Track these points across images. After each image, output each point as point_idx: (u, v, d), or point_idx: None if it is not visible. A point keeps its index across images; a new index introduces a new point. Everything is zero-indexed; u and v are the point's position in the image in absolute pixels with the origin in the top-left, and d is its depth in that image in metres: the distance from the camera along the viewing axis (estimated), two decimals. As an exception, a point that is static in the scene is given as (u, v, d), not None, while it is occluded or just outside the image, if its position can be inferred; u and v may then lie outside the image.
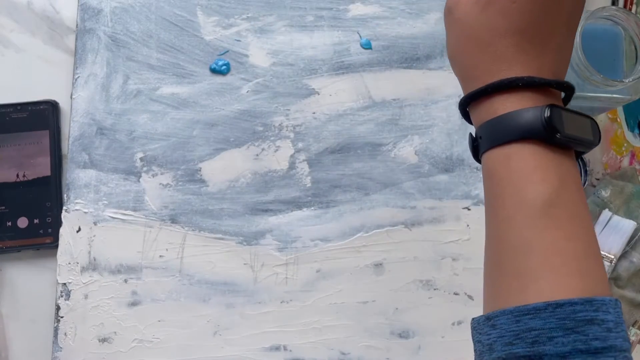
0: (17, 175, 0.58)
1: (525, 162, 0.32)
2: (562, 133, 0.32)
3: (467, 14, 0.35)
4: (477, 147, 0.35)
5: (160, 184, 0.58)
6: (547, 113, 0.32)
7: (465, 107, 0.36)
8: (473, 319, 0.33)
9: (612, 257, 0.59)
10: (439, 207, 0.59)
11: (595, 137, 0.34)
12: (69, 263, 0.56)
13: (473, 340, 0.34)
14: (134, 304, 0.56)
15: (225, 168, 0.59)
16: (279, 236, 0.58)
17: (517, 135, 0.33)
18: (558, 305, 0.29)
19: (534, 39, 0.34)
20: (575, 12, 0.35)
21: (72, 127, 0.59)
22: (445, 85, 0.62)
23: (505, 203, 0.33)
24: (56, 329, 0.55)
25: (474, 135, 0.36)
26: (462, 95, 0.36)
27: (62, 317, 0.56)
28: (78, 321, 0.56)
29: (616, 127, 0.65)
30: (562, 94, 0.36)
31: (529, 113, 0.32)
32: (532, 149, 0.32)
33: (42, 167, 0.58)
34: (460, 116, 0.61)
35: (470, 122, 0.37)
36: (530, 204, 0.32)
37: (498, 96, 0.34)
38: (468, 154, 0.60)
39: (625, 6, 0.68)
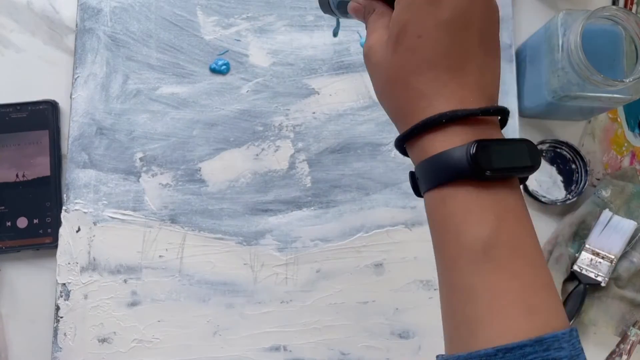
0: (17, 175, 0.58)
1: (459, 204, 0.31)
2: (491, 169, 0.30)
3: (383, 57, 0.35)
4: (416, 186, 0.35)
5: (160, 184, 0.58)
6: (472, 150, 0.30)
7: (401, 148, 0.35)
8: (437, 356, 0.33)
9: (613, 257, 0.59)
10: (439, 207, 0.59)
11: (534, 160, 0.32)
12: (69, 263, 0.56)
13: None
14: (133, 304, 0.56)
15: (225, 168, 0.59)
16: (278, 236, 0.58)
17: (448, 177, 0.31)
18: (507, 350, 0.28)
19: (450, 68, 0.33)
20: (489, 28, 0.34)
21: (71, 127, 0.59)
22: (446, 85, 0.62)
23: (446, 248, 0.32)
24: (56, 329, 0.55)
25: (410, 173, 0.35)
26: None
27: (61, 317, 0.55)
28: (78, 321, 0.56)
29: (616, 127, 0.65)
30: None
31: (456, 153, 0.31)
32: (465, 190, 0.31)
33: (41, 167, 0.58)
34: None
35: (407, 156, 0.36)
36: (470, 248, 0.31)
37: (426, 135, 0.33)
38: (468, 154, 0.60)
39: (625, 6, 0.67)
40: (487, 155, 0.30)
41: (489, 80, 0.34)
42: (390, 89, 0.35)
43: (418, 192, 0.35)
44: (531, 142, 0.33)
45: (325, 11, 0.45)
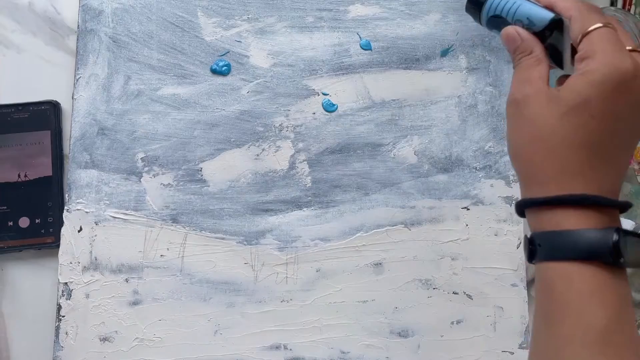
0: (19, 175, 0.58)
1: (587, 283, 0.32)
2: (625, 259, 0.32)
3: (540, 115, 0.34)
4: (533, 251, 0.35)
5: (161, 184, 0.59)
6: (615, 238, 0.32)
7: (524, 208, 0.36)
8: None
9: (611, 256, 0.59)
10: (438, 207, 0.60)
11: None
12: (71, 263, 0.57)
13: None
14: (135, 303, 0.57)
15: (225, 168, 0.59)
16: (279, 236, 0.58)
17: (581, 255, 0.32)
18: None
19: (603, 155, 0.34)
20: (639, 130, 0.35)
21: (73, 128, 0.59)
22: (444, 86, 0.62)
23: (563, 321, 0.33)
24: (57, 328, 0.56)
25: (529, 237, 0.36)
26: (520, 197, 0.36)
27: (63, 316, 0.56)
28: (79, 320, 0.56)
29: (614, 127, 0.65)
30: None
31: (594, 234, 0.32)
32: (594, 270, 0.32)
33: (43, 167, 0.59)
34: (459, 117, 0.62)
35: (523, 216, 0.37)
36: (590, 327, 0.32)
37: (561, 209, 0.33)
38: (467, 154, 0.61)
39: (624, 7, 0.68)
40: (624, 245, 0.32)
41: (622, 176, 0.35)
42: (536, 148, 0.34)
43: (532, 258, 0.35)
44: None
45: (469, 13, 0.41)
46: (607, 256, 0.32)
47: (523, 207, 0.36)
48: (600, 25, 0.34)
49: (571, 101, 0.33)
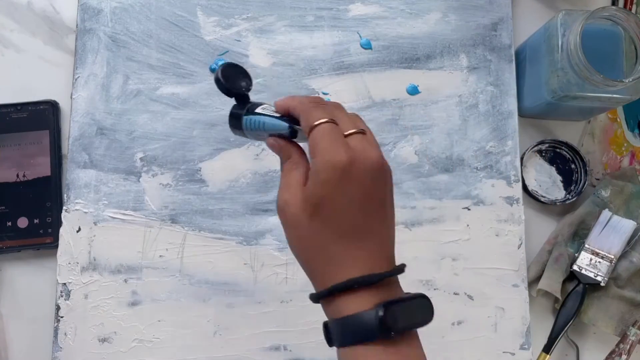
0: (17, 175, 0.58)
1: None
2: (396, 330, 0.34)
3: (296, 217, 0.36)
4: (329, 338, 0.37)
5: (160, 184, 0.58)
6: (380, 313, 0.34)
7: (316, 301, 0.38)
8: None
9: (612, 257, 0.59)
10: (439, 207, 0.59)
11: (430, 314, 0.36)
12: (69, 263, 0.56)
13: None
14: (134, 303, 0.56)
15: (225, 168, 0.59)
16: (279, 236, 0.58)
17: (358, 339, 0.35)
18: None
19: (358, 238, 0.36)
20: (387, 194, 0.37)
21: (72, 127, 0.59)
22: (445, 85, 0.62)
23: None
24: (56, 329, 0.55)
25: (324, 324, 0.38)
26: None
27: (62, 317, 0.56)
28: (78, 321, 0.56)
29: (616, 127, 0.65)
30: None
31: (366, 316, 0.34)
32: (375, 350, 0.34)
33: (42, 167, 0.58)
34: (460, 117, 0.62)
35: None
36: None
37: (339, 297, 0.35)
38: (468, 154, 0.60)
39: (625, 6, 0.68)
40: (393, 317, 0.34)
41: (388, 242, 0.38)
42: (304, 249, 0.37)
43: (330, 344, 0.37)
44: (427, 297, 0.37)
45: (233, 130, 0.42)
46: (378, 334, 0.34)
47: (313, 301, 0.38)
48: (322, 121, 0.36)
49: (312, 202, 0.36)
